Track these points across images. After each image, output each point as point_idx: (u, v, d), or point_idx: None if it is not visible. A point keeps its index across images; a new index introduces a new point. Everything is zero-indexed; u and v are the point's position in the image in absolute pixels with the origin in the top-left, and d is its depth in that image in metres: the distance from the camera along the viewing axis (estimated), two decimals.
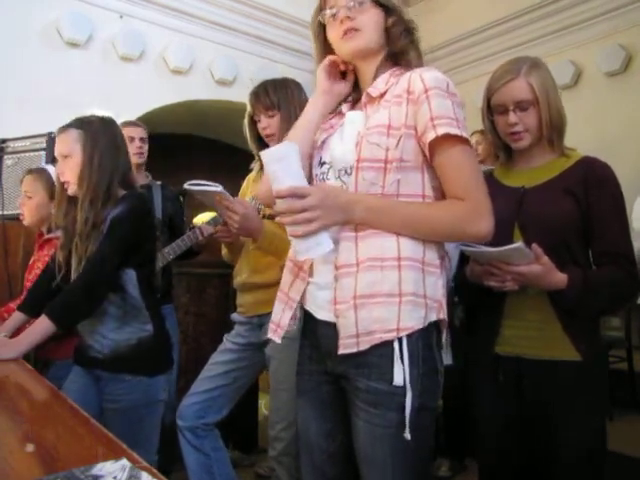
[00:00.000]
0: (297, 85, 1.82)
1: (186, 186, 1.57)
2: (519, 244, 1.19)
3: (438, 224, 1.06)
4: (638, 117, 3.87)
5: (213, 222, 2.37)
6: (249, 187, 1.92)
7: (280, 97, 1.75)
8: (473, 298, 1.43)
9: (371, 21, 1.15)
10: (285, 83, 1.80)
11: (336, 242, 1.08)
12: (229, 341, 1.81)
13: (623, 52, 3.98)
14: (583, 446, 1.28)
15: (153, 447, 1.58)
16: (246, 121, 1.83)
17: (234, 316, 1.85)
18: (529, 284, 1.26)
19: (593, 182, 1.32)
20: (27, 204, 2.11)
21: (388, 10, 1.16)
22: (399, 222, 1.05)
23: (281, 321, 1.19)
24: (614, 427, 2.44)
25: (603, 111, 4.05)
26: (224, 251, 1.90)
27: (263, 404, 3.32)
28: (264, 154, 1.04)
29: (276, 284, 1.67)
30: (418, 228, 1.06)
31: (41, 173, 2.13)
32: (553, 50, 4.33)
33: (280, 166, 1.02)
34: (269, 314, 1.68)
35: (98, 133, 1.56)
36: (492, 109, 1.44)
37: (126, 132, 2.47)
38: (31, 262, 2.09)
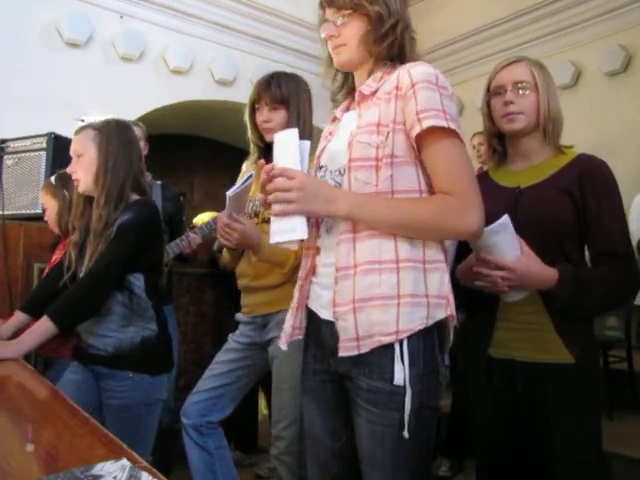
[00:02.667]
0: (306, 83, 1.78)
1: (229, 193, 1.54)
2: (504, 217, 1.17)
3: (424, 221, 1.04)
4: (638, 117, 3.87)
5: (200, 232, 2.39)
6: None
7: (291, 92, 1.70)
8: (467, 299, 1.41)
9: (355, 33, 1.15)
10: (296, 79, 1.76)
11: (336, 244, 1.09)
12: (233, 340, 1.82)
13: (623, 52, 3.99)
14: (579, 448, 1.27)
15: (149, 447, 1.59)
16: (247, 109, 1.78)
17: (238, 316, 1.85)
18: (520, 282, 1.24)
19: (589, 180, 1.30)
20: (46, 214, 2.17)
21: (370, 16, 1.14)
22: (385, 219, 1.04)
23: (288, 329, 1.22)
24: (614, 427, 2.45)
25: (603, 111, 4.05)
26: (225, 255, 1.90)
27: (263, 404, 3.32)
28: (275, 135, 1.06)
29: (279, 285, 1.69)
30: (405, 225, 1.04)
31: (46, 185, 2.18)
32: (553, 50, 4.34)
33: (277, 148, 1.05)
34: (272, 314, 1.70)
35: (113, 135, 1.59)
36: (491, 92, 1.43)
37: None
38: (52, 260, 2.11)
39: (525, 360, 1.31)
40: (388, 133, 1.06)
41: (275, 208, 1.03)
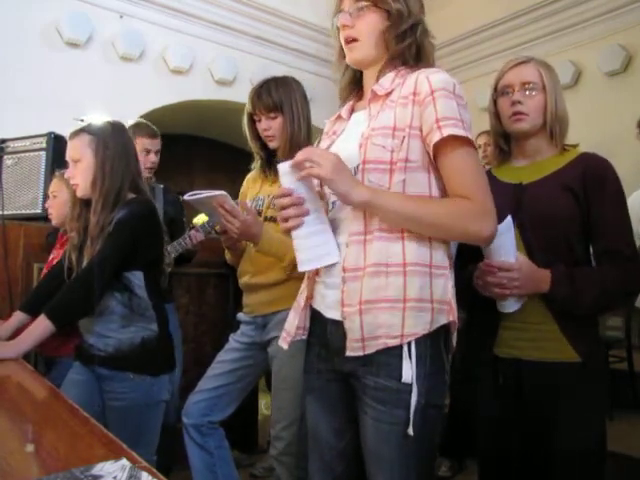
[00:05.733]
0: (298, 83, 1.80)
1: (186, 198, 1.57)
2: (508, 218, 1.20)
3: (441, 218, 1.05)
4: (638, 117, 3.87)
5: (202, 229, 2.39)
6: (249, 187, 1.92)
7: (283, 97, 1.72)
8: (470, 299, 1.42)
9: (369, 27, 1.14)
10: (287, 81, 1.78)
11: (345, 245, 1.10)
12: (235, 340, 1.82)
13: (623, 52, 3.99)
14: (583, 447, 1.27)
15: (152, 447, 1.59)
16: (245, 119, 1.81)
17: (240, 315, 1.85)
18: (524, 282, 1.25)
19: (592, 178, 1.31)
20: (53, 203, 2.15)
21: (388, 13, 1.14)
22: (402, 211, 1.04)
23: (291, 330, 1.23)
24: (614, 427, 2.45)
25: (603, 111, 4.05)
26: (228, 255, 1.90)
27: (263, 404, 3.32)
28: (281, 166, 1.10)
29: (279, 283, 1.69)
30: (419, 219, 1.05)
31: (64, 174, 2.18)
32: (553, 50, 4.33)
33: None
34: (273, 314, 1.70)
35: (109, 138, 1.59)
36: (498, 92, 1.43)
37: (142, 143, 2.42)
38: (50, 259, 2.11)
39: (531, 359, 1.31)
40: (404, 137, 1.07)
41: (301, 174, 1.06)
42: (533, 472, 1.34)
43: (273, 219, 1.71)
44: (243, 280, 1.80)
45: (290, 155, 1.69)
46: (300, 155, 1.05)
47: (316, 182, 1.19)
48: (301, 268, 1.10)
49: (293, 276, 1.64)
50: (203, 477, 1.73)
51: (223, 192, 1.56)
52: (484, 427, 1.43)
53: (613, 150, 3.73)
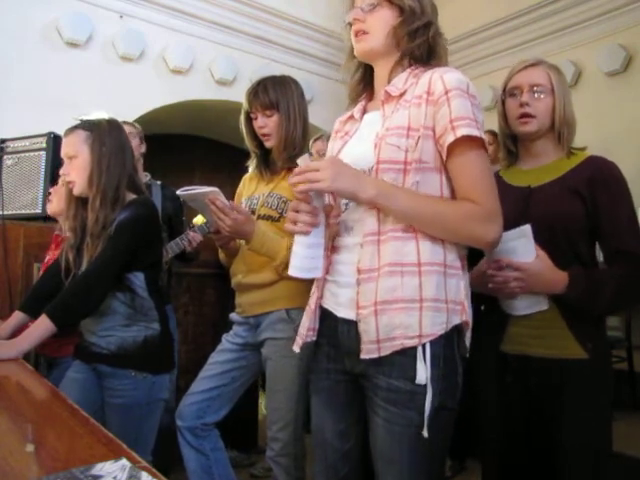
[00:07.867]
0: (295, 83, 1.80)
1: (179, 192, 1.57)
2: (527, 226, 1.21)
3: (447, 219, 1.04)
4: (638, 117, 3.87)
5: (200, 230, 2.39)
6: (245, 187, 1.91)
7: (279, 96, 1.72)
8: (477, 296, 1.42)
9: (381, 22, 1.13)
10: (284, 81, 1.78)
11: (360, 245, 1.09)
12: (227, 341, 1.81)
13: (623, 52, 3.98)
14: (589, 446, 1.28)
15: (149, 446, 1.59)
16: (242, 118, 1.81)
17: (232, 316, 1.84)
18: (531, 284, 1.25)
19: (600, 182, 1.32)
20: (58, 190, 2.11)
21: (401, 10, 1.13)
22: (409, 209, 1.03)
23: (304, 333, 1.21)
24: (614, 427, 2.45)
25: (603, 111, 4.04)
26: (221, 255, 1.90)
27: (263, 404, 3.32)
28: None
29: (272, 284, 1.69)
30: (426, 219, 1.04)
31: None
32: (553, 50, 4.33)
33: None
34: (265, 314, 1.70)
35: (105, 135, 1.58)
36: (507, 93, 1.44)
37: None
38: (46, 260, 2.10)
39: (539, 356, 1.32)
40: (419, 138, 1.05)
41: (301, 188, 1.05)
42: (538, 469, 1.34)
43: (266, 217, 1.71)
44: (236, 280, 1.79)
45: (284, 153, 1.70)
46: (297, 178, 1.04)
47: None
48: (291, 272, 1.10)
49: (285, 276, 1.64)
50: (200, 479, 1.72)
51: (215, 189, 1.55)
52: (489, 426, 1.43)
53: (613, 150, 3.72)
